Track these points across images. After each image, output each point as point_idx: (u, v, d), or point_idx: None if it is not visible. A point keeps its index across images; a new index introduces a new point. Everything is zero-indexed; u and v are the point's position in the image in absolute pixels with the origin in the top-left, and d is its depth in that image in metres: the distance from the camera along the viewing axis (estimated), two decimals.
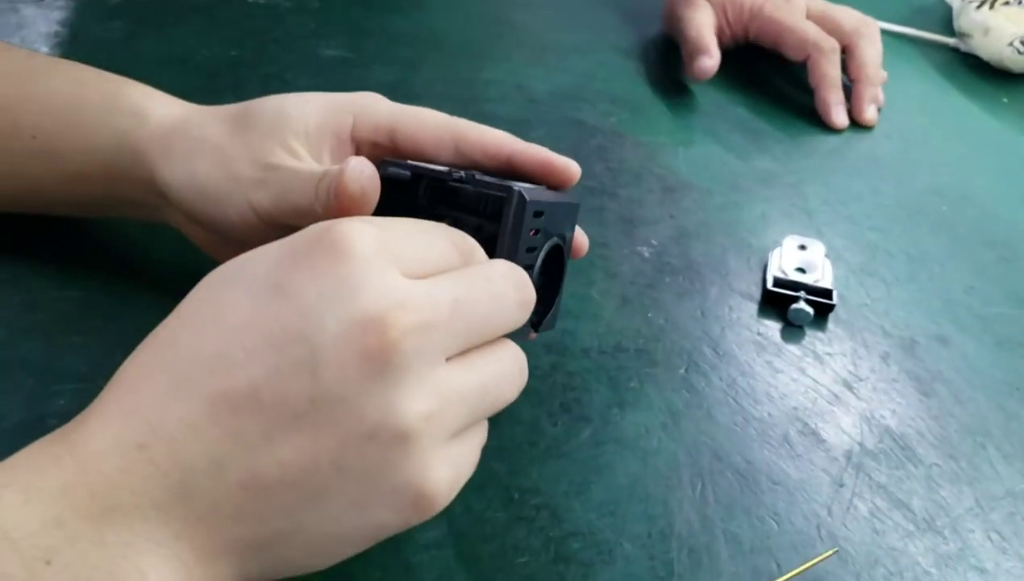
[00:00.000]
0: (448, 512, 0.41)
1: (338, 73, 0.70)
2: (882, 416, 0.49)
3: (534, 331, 0.41)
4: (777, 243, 0.58)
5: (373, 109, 0.42)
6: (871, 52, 0.75)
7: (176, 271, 0.50)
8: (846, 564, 0.41)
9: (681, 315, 0.53)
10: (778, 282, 0.55)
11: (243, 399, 0.27)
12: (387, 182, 0.37)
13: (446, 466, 0.30)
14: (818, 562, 0.42)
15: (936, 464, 0.47)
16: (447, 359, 0.30)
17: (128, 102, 0.44)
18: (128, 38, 0.70)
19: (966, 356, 0.53)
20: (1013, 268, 0.61)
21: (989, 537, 0.44)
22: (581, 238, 0.44)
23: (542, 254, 0.38)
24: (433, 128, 0.41)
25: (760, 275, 0.57)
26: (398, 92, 0.44)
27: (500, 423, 0.45)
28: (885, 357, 0.53)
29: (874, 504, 0.44)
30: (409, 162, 0.39)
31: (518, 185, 0.36)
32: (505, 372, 0.33)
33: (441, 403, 0.29)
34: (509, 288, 0.33)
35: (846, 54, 0.75)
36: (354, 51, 0.72)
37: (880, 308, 0.56)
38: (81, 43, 0.69)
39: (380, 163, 0.38)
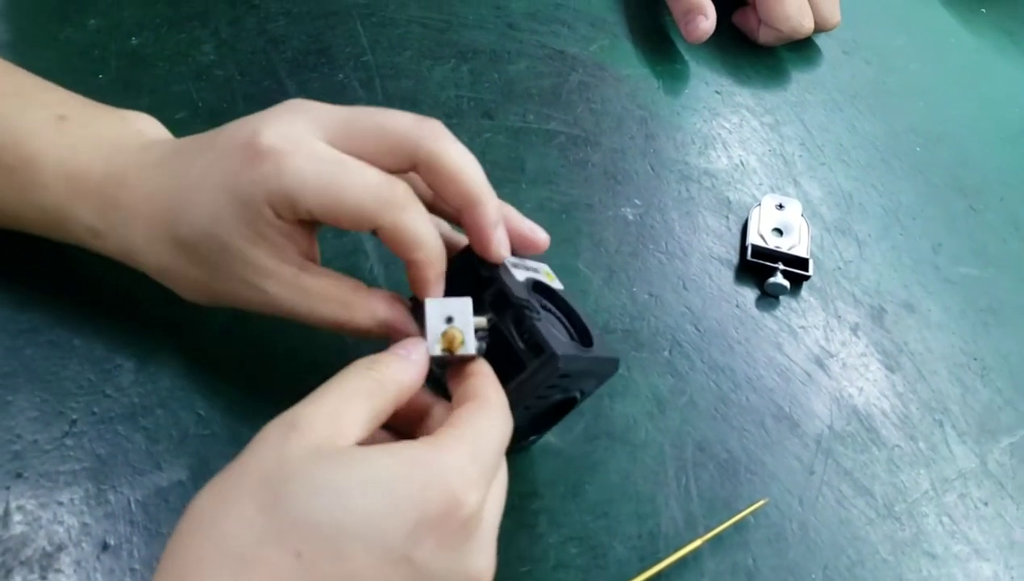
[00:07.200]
0: None
1: None
2: (850, 395, 0.52)
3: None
4: (756, 201, 0.60)
5: (288, 191, 0.37)
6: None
7: None
8: (814, 555, 0.46)
9: (664, 288, 0.55)
10: (756, 252, 0.57)
11: None
12: (461, 262, 0.41)
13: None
14: (748, 513, 0.46)
15: (898, 446, 0.51)
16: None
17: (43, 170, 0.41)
18: None
19: (930, 325, 0.57)
20: (980, 220, 0.63)
21: (941, 521, 0.48)
22: None
23: (551, 402, 0.41)
24: (355, 210, 0.37)
25: (738, 237, 0.59)
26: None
27: None
28: (855, 329, 0.56)
29: (840, 491, 0.49)
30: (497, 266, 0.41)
31: (563, 345, 0.38)
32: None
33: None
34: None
35: None
36: None
37: (852, 272, 0.58)
38: None
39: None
